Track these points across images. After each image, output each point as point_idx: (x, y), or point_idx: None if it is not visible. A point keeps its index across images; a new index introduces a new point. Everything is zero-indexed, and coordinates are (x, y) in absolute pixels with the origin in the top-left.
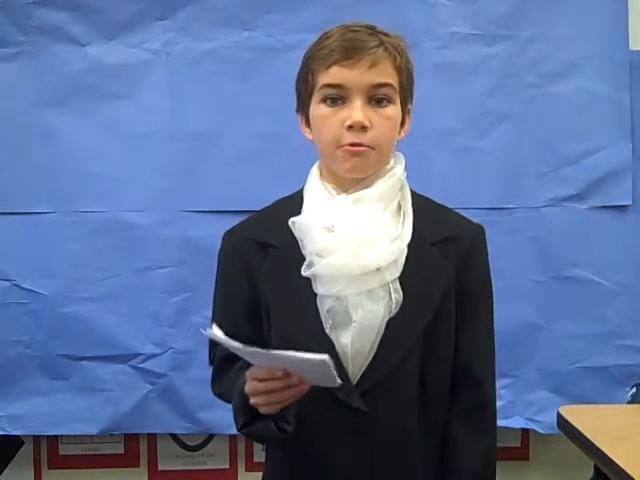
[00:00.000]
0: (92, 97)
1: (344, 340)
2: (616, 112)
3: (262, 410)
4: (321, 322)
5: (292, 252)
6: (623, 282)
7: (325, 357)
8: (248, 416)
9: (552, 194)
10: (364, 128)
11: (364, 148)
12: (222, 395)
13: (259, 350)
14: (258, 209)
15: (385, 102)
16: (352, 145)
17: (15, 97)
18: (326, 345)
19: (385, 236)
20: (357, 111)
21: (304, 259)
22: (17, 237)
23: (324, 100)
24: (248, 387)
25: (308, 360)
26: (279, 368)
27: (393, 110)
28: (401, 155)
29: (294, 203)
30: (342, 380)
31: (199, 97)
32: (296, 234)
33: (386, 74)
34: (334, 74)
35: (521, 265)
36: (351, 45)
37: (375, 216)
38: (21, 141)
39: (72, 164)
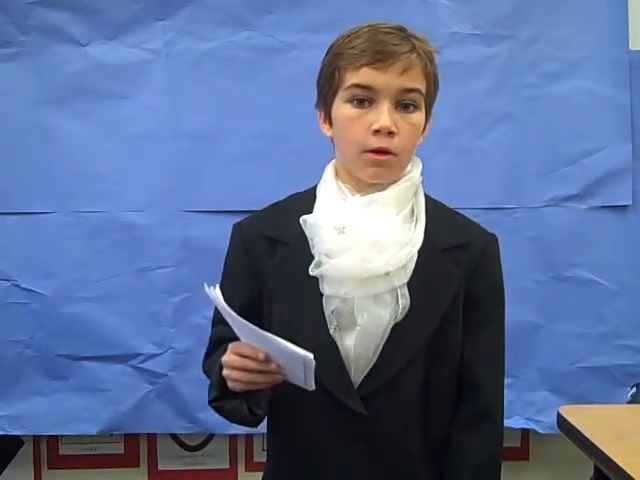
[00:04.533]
0: (92, 97)
1: (348, 342)
2: (616, 112)
3: (229, 384)
4: (325, 323)
5: (301, 250)
6: (623, 282)
7: (310, 356)
8: (222, 391)
9: (552, 194)
10: (390, 133)
11: (388, 156)
12: (207, 372)
13: (250, 326)
14: (258, 209)
15: (412, 108)
16: (377, 152)
17: (15, 97)
18: (329, 346)
19: (396, 241)
20: (385, 116)
21: (313, 258)
22: (17, 237)
23: (351, 100)
24: (226, 357)
25: (294, 353)
26: (262, 351)
27: (419, 116)
28: (418, 160)
29: (307, 200)
30: (316, 385)
31: (199, 97)
32: (307, 233)
33: (417, 80)
34: (364, 75)
35: (521, 265)
36: (384, 48)
37: (387, 219)
38: (21, 141)
39: (72, 164)
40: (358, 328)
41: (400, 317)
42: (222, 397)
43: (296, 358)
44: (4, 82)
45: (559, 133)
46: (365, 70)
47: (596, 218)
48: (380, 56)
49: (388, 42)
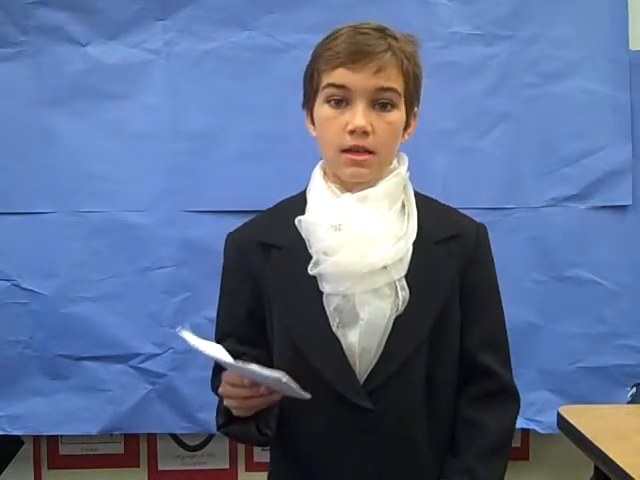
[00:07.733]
0: (92, 97)
1: (351, 338)
2: (616, 112)
3: (234, 412)
4: (328, 321)
5: (296, 252)
6: (623, 282)
7: (281, 374)
8: (228, 417)
9: (552, 194)
10: (365, 133)
11: (365, 157)
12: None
13: (223, 360)
14: (258, 209)
15: (389, 107)
16: (353, 151)
17: (15, 97)
18: (333, 344)
19: (391, 235)
20: (359, 116)
21: (309, 258)
22: (17, 237)
23: (328, 101)
24: (221, 389)
25: (268, 376)
26: (246, 377)
27: (396, 115)
28: (404, 155)
29: (297, 204)
30: (311, 394)
31: (199, 97)
32: (303, 233)
33: (392, 79)
34: (339, 75)
35: (521, 265)
36: (358, 49)
37: (381, 215)
38: (21, 141)
39: (72, 164)
40: (361, 322)
41: (401, 309)
42: (230, 422)
43: (273, 379)
44: (4, 82)
45: (559, 133)
46: (340, 71)
47: (596, 218)
48: (354, 56)
49: (363, 42)
